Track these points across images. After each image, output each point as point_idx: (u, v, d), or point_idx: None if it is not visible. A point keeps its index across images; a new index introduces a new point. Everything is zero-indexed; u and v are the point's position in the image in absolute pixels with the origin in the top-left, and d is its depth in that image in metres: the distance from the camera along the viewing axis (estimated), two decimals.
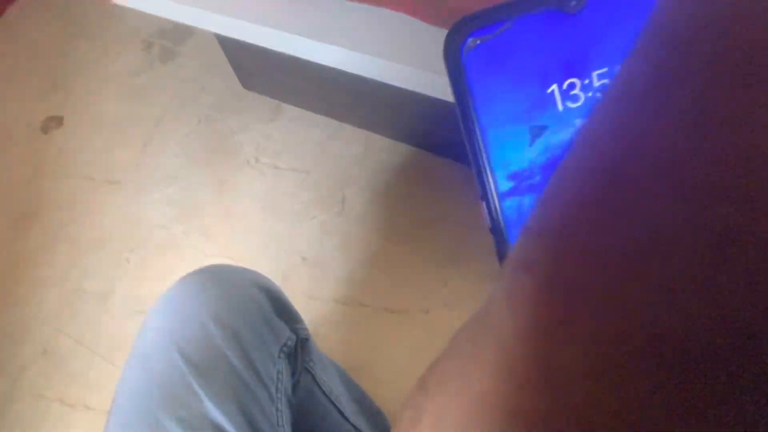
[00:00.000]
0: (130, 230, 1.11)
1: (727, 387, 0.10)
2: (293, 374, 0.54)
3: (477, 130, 0.25)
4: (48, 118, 1.29)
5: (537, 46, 0.24)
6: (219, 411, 0.45)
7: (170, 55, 1.33)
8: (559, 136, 0.25)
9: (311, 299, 0.97)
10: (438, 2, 0.44)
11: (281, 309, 0.55)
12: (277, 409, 0.49)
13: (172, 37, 1.36)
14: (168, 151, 1.19)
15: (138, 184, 1.16)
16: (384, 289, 0.96)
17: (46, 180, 1.20)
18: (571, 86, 0.25)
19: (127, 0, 0.58)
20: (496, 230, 0.26)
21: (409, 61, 0.45)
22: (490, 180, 0.25)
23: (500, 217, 0.25)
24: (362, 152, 1.10)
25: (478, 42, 0.24)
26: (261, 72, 1.13)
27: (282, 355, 0.52)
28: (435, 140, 1.03)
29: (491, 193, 0.25)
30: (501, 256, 0.26)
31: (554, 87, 0.25)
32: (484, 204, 0.25)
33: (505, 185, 0.25)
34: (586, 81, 0.25)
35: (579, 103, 0.25)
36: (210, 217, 1.09)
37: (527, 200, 0.26)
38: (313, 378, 0.57)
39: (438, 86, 0.45)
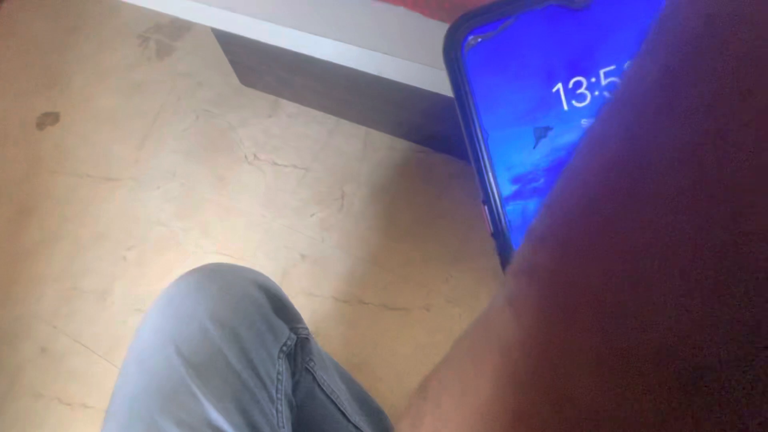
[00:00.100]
0: (129, 227, 1.10)
1: (736, 399, 0.10)
2: (293, 374, 0.54)
3: (479, 131, 0.23)
4: (43, 115, 1.28)
5: (541, 43, 0.23)
6: (218, 412, 0.44)
7: (167, 51, 1.32)
8: (565, 137, 0.24)
9: (311, 297, 0.97)
10: None
11: (281, 308, 0.54)
12: (277, 410, 0.49)
13: (168, 32, 1.35)
14: (166, 147, 1.18)
15: (136, 180, 1.15)
16: (384, 286, 0.95)
17: (43, 177, 1.20)
18: (577, 85, 0.24)
19: None
20: (498, 235, 0.25)
21: (409, 55, 0.44)
22: (493, 183, 0.24)
23: (503, 222, 0.24)
24: (362, 148, 1.09)
25: (480, 40, 0.22)
26: (259, 67, 1.12)
27: (282, 355, 0.51)
28: (435, 136, 1.02)
29: (494, 197, 0.24)
30: (504, 261, 0.25)
31: (559, 86, 0.24)
32: (486, 208, 0.24)
33: (509, 189, 0.24)
34: (593, 79, 0.24)
35: (585, 103, 0.24)
36: (209, 214, 1.09)
37: (531, 204, 0.25)
38: (314, 378, 0.57)
39: (438, 82, 0.44)
